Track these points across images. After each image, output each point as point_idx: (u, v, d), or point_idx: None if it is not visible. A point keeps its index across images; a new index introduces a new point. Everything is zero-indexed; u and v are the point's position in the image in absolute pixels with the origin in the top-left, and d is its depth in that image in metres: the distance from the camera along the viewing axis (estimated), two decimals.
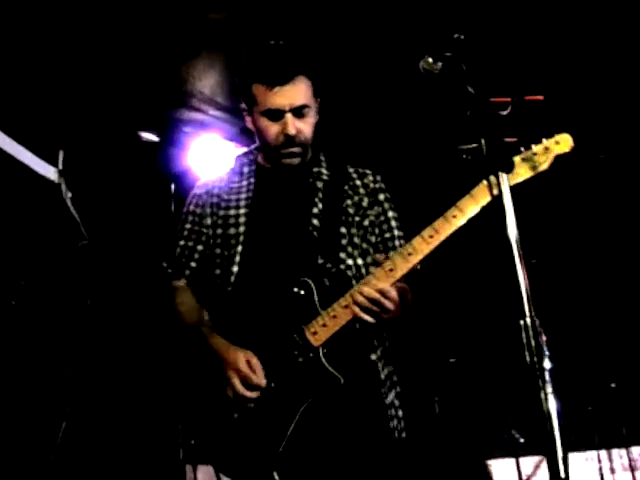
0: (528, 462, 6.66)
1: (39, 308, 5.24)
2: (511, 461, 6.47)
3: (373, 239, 3.18)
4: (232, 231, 3.13)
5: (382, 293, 2.80)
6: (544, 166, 2.67)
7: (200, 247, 3.20)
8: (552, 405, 2.09)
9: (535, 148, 2.70)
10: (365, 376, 3.00)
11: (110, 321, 5.78)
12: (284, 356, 2.89)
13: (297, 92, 3.06)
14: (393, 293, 2.82)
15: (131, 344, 5.93)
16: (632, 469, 6.43)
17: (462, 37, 2.55)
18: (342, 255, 3.05)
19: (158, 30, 5.30)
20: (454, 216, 2.79)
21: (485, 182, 2.73)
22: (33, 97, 5.19)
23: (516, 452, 6.44)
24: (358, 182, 3.25)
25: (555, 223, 6.97)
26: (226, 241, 3.13)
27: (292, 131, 3.05)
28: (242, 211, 3.16)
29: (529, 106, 5.90)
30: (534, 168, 2.67)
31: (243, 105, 3.20)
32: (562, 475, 2.04)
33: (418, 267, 3.04)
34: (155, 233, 5.94)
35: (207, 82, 5.70)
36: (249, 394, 2.85)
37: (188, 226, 3.26)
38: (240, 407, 2.88)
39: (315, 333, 2.87)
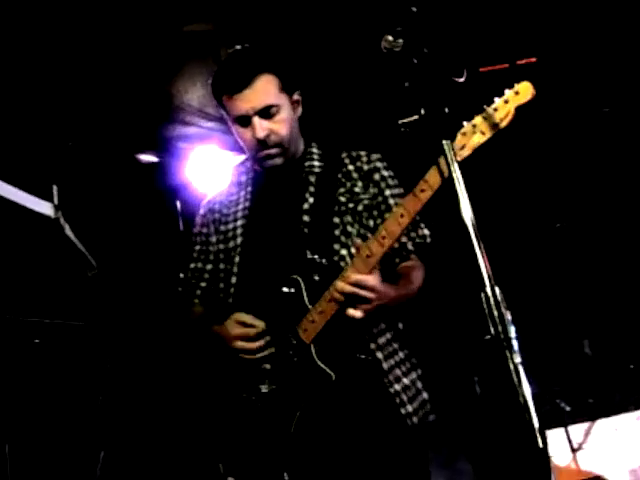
0: (578, 430, 6.55)
1: (63, 343, 5.28)
2: (560, 431, 6.37)
3: (372, 223, 3.11)
4: (231, 244, 3.17)
5: (357, 284, 2.74)
6: (505, 122, 2.58)
7: (209, 266, 3.26)
8: (522, 376, 2.03)
9: (495, 103, 2.62)
10: (363, 368, 2.94)
11: (131, 342, 5.80)
12: (282, 358, 2.89)
13: (257, 94, 3.03)
14: (371, 282, 2.75)
15: (152, 363, 5.95)
16: None
17: (415, 9, 2.51)
18: (336, 246, 3.02)
19: (140, 50, 5.31)
20: (422, 190, 2.71)
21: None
22: (19, 135, 5.21)
23: (564, 421, 6.35)
24: (351, 167, 3.19)
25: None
26: (227, 255, 3.17)
27: (260, 134, 3.02)
28: (239, 222, 3.19)
29: (524, 70, 5.80)
30: (495, 126, 2.59)
31: (225, 116, 3.20)
32: (540, 445, 1.97)
33: (429, 240, 3.10)
34: (166, 253, 5.96)
35: (194, 95, 5.70)
36: (254, 344, 2.91)
37: (197, 247, 3.33)
38: (246, 405, 2.91)
39: (305, 330, 2.86)
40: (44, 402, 5.15)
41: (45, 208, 4.85)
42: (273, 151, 3.08)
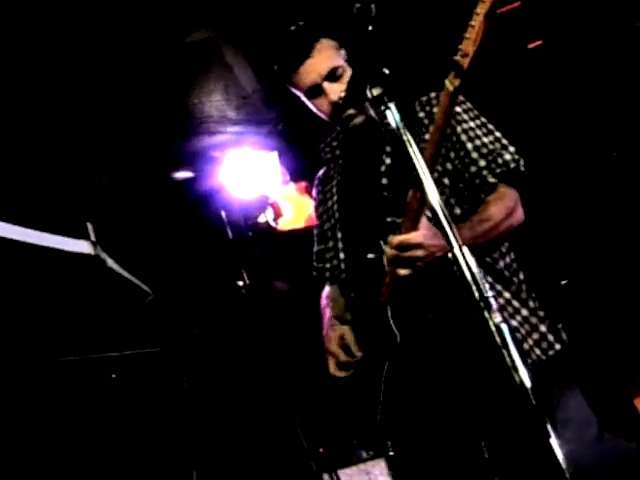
0: None
1: (139, 375, 5.35)
2: None
3: (449, 165, 3.03)
4: (332, 221, 3.28)
5: (400, 246, 2.65)
6: (480, 32, 2.46)
7: (325, 246, 3.38)
8: (507, 335, 1.93)
9: (471, 20, 2.52)
10: (442, 324, 2.85)
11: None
12: (373, 324, 2.93)
13: (320, 60, 3.08)
14: (414, 239, 2.64)
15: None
16: None
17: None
18: None
19: (150, 72, 5.33)
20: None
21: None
22: (51, 175, 5.30)
23: None
24: (422, 114, 3.12)
25: None
26: (333, 232, 3.27)
27: (333, 97, 3.06)
28: (335, 198, 3.27)
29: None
30: (475, 40, 2.49)
31: (303, 99, 3.23)
32: (533, 403, 1.88)
33: (513, 166, 2.96)
34: (221, 264, 5.99)
35: (212, 103, 5.69)
36: (339, 373, 3.01)
37: (315, 231, 3.46)
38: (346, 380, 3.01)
39: (383, 293, 2.85)
40: (133, 436, 5.24)
41: (83, 247, 4.91)
42: (351, 111, 3.08)
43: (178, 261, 5.90)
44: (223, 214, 5.94)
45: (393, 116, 2.21)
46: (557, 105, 6.42)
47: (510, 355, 1.90)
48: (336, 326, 3.14)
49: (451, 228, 2.03)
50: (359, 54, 2.31)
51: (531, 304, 2.98)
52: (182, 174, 5.98)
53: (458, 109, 3.09)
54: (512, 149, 3.03)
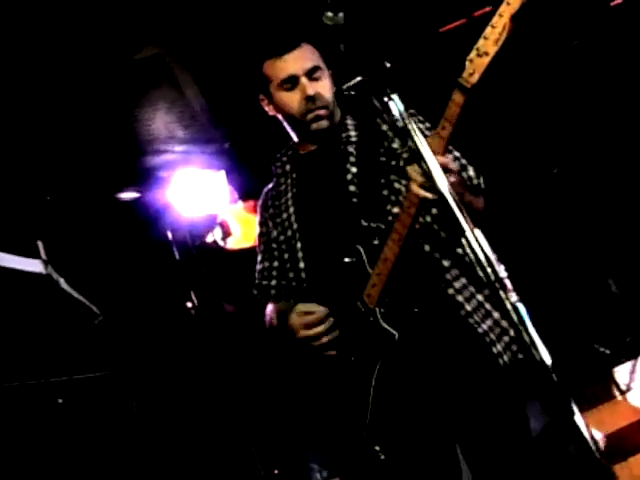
0: (622, 371, 6.49)
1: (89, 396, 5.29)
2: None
3: None
4: (289, 233, 3.25)
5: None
6: (504, 35, 2.56)
7: (275, 263, 3.35)
8: (524, 313, 1.99)
9: (492, 20, 2.61)
10: (445, 311, 2.96)
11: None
12: (354, 327, 2.96)
13: (305, 55, 3.16)
14: (451, 163, 2.71)
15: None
16: None
17: None
18: (388, 207, 3.06)
19: (97, 90, 5.31)
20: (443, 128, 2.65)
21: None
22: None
23: (608, 365, 6.31)
24: (385, 127, 3.22)
25: None
26: (288, 244, 3.26)
27: (310, 91, 3.11)
28: (291, 210, 3.27)
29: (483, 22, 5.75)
30: (497, 41, 2.59)
31: (261, 96, 3.29)
32: (555, 379, 1.93)
33: (476, 182, 3.08)
34: (167, 284, 5.97)
35: (160, 122, 5.69)
36: (315, 330, 2.98)
37: (261, 247, 3.44)
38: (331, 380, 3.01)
39: (369, 295, 2.92)
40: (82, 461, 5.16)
41: (34, 266, 4.85)
42: (322, 112, 3.15)
43: (125, 282, 5.86)
44: (169, 234, 5.92)
45: (397, 106, 2.26)
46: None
47: (529, 334, 1.96)
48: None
49: (461, 212, 2.09)
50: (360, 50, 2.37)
51: (496, 313, 3.06)
52: (128, 194, 5.95)
53: (419, 125, 3.18)
54: (471, 167, 3.17)
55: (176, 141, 5.89)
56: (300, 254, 3.19)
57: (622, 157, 6.73)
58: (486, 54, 2.59)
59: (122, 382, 5.46)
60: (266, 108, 3.31)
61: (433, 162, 2.16)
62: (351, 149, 3.19)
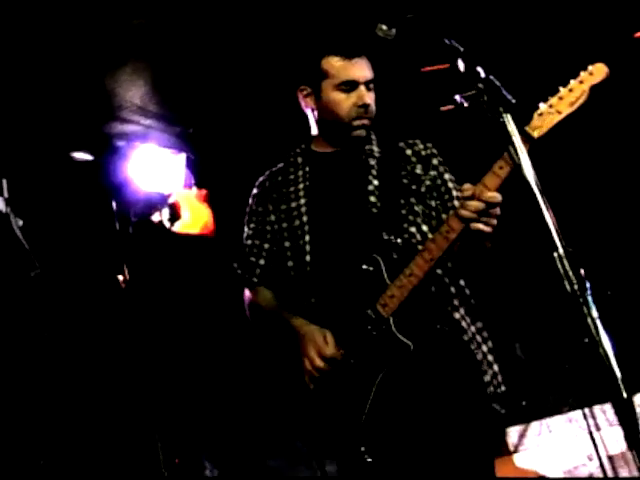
0: (513, 432, 6.81)
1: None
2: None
3: (433, 203, 3.31)
4: (297, 223, 3.32)
5: (489, 202, 2.85)
6: (580, 101, 2.81)
7: (267, 245, 3.41)
8: (601, 329, 2.21)
9: (570, 84, 2.83)
10: (444, 338, 3.12)
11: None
12: (360, 332, 3.07)
13: (368, 66, 3.31)
14: (498, 197, 2.87)
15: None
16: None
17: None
18: (405, 225, 3.22)
19: (78, 43, 5.30)
20: (500, 167, 2.87)
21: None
22: None
23: (500, 424, 6.59)
24: (409, 152, 3.38)
25: None
26: (293, 233, 3.32)
27: (367, 100, 3.25)
28: (302, 201, 3.35)
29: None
30: (572, 104, 2.82)
31: (303, 87, 3.37)
32: (624, 395, 2.15)
33: None
34: (102, 253, 5.96)
35: (136, 92, 5.71)
36: (322, 364, 3.05)
37: (252, 225, 3.47)
38: (318, 382, 3.09)
39: (385, 305, 3.03)
40: None
41: None
42: (367, 122, 3.29)
43: (66, 241, 5.82)
44: (114, 204, 5.92)
45: (508, 125, 2.47)
46: None
47: (604, 348, 2.19)
48: (309, 326, 3.18)
49: (555, 228, 2.32)
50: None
51: (490, 343, 3.27)
52: (81, 155, 5.92)
53: (441, 159, 3.41)
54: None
55: (145, 114, 5.90)
56: (308, 247, 3.26)
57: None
58: (558, 113, 2.82)
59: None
60: (303, 99, 3.40)
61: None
62: (372, 162, 3.34)
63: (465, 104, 2.59)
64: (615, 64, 2.91)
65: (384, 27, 2.87)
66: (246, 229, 3.49)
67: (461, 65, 2.57)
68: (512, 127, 2.46)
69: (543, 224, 2.32)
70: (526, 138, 2.75)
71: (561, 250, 2.28)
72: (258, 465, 6.17)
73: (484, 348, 3.22)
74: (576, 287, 2.24)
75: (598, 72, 2.81)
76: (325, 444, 3.08)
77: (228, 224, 6.15)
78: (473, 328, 3.22)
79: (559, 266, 2.27)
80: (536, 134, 2.80)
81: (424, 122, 6.44)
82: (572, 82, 2.81)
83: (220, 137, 6.40)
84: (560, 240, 2.29)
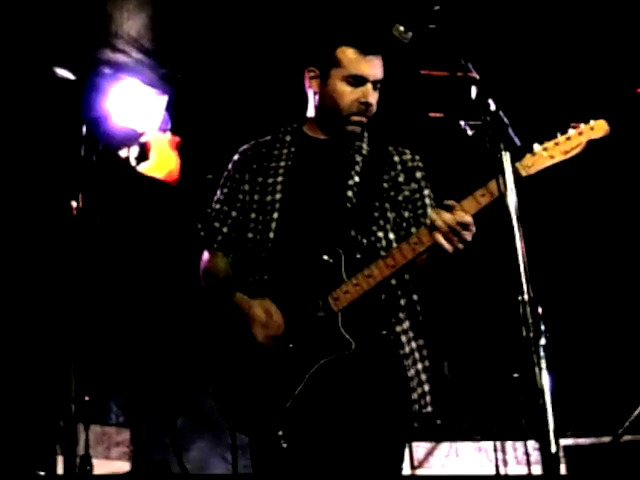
0: (421, 448, 6.92)
1: None
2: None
3: (406, 214, 3.33)
4: (268, 198, 3.32)
5: (462, 223, 2.89)
6: (575, 152, 2.86)
7: (234, 213, 3.40)
8: (545, 380, 2.28)
9: (569, 133, 2.87)
10: (385, 345, 3.14)
11: None
12: (305, 320, 3.10)
13: (381, 65, 3.29)
14: (472, 223, 2.91)
15: None
16: (528, 463, 6.72)
17: (439, 8, 2.76)
18: (374, 228, 3.24)
19: None
20: (482, 195, 2.92)
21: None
22: None
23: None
24: (396, 158, 3.40)
25: None
26: (262, 207, 3.32)
27: (371, 100, 3.25)
28: (280, 179, 3.34)
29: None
30: (566, 152, 2.87)
31: (312, 69, 3.34)
32: (552, 450, 2.22)
33: None
34: (60, 176, 5.92)
35: (135, 23, 5.67)
36: (269, 338, 3.08)
37: (225, 190, 3.44)
38: (257, 358, 3.10)
39: (337, 299, 3.06)
40: None
41: None
42: (365, 120, 3.31)
43: (26, 155, 5.78)
44: (84, 129, 5.87)
45: (505, 163, 2.52)
46: None
47: (544, 399, 2.26)
48: (254, 299, 3.18)
49: (526, 275, 2.39)
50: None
51: (426, 362, 3.26)
52: (64, 73, 5.87)
53: (425, 174, 3.41)
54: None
55: (138, 47, 5.86)
56: (274, 224, 3.27)
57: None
58: (550, 157, 2.86)
59: None
60: (308, 80, 3.38)
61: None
62: (358, 159, 3.36)
63: (469, 131, 2.63)
64: (616, 120, 2.97)
65: (401, 28, 2.89)
66: (218, 193, 3.48)
67: (473, 92, 2.61)
68: (508, 165, 2.51)
69: (513, 264, 2.38)
70: (515, 174, 2.81)
71: (526, 295, 2.33)
72: (165, 420, 6.19)
73: (419, 366, 3.23)
74: (532, 335, 2.30)
75: (599, 128, 2.86)
76: (243, 419, 3.12)
77: (193, 177, 6.16)
78: (413, 344, 3.23)
79: (520, 311, 2.32)
80: (524, 172, 2.85)
81: (411, 123, 6.49)
82: (571, 131, 2.86)
83: (207, 90, 6.36)
84: (527, 284, 2.35)
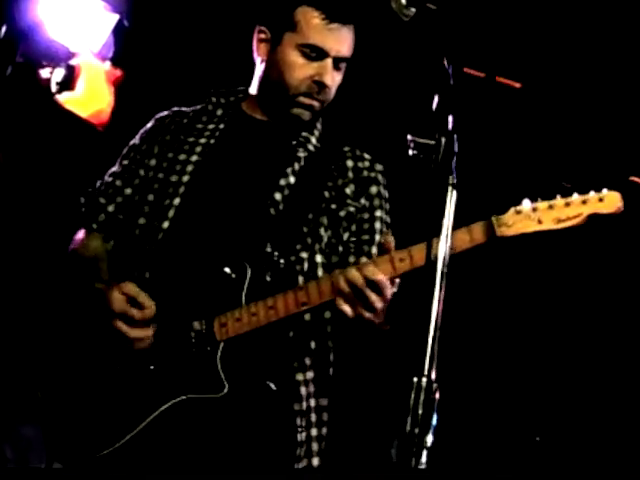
0: None
1: None
2: None
3: (346, 236, 3.19)
4: (174, 178, 3.21)
5: (372, 283, 2.71)
6: (570, 223, 2.63)
7: (128, 190, 3.30)
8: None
9: (571, 197, 2.67)
10: (269, 399, 3.02)
11: None
12: (178, 340, 2.94)
13: (349, 40, 3.16)
14: (389, 289, 2.75)
15: None
16: None
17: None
18: (298, 246, 3.09)
19: None
20: (401, 260, 2.82)
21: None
22: None
23: None
24: (349, 163, 3.26)
25: None
26: (163, 188, 3.20)
27: (328, 80, 3.12)
28: (194, 158, 3.23)
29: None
30: (559, 221, 2.63)
31: (263, 29, 3.22)
32: None
33: None
34: None
35: None
36: (135, 333, 2.95)
37: (125, 162, 3.35)
38: (104, 371, 2.97)
39: (224, 326, 2.91)
40: None
41: None
42: (317, 105, 3.19)
43: None
44: (3, 29, 5.51)
45: (448, 205, 2.31)
46: None
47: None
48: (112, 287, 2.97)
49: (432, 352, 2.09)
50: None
51: (324, 430, 3.17)
52: None
53: (383, 191, 3.34)
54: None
55: None
56: (171, 212, 3.13)
57: None
58: (538, 222, 2.64)
59: None
60: (257, 43, 3.23)
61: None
62: (301, 154, 3.23)
63: (410, 151, 2.38)
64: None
65: (403, 1, 2.63)
66: (116, 164, 3.34)
67: (435, 101, 2.41)
68: (451, 209, 2.24)
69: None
70: (486, 230, 2.66)
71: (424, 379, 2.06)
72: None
73: (313, 432, 3.03)
74: (416, 431, 2.06)
75: (609, 202, 2.61)
76: (66, 445, 2.95)
77: (126, 126, 5.86)
78: (312, 402, 3.06)
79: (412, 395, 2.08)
80: (499, 232, 2.63)
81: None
82: (575, 196, 2.62)
83: (169, 23, 6.04)
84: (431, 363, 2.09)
